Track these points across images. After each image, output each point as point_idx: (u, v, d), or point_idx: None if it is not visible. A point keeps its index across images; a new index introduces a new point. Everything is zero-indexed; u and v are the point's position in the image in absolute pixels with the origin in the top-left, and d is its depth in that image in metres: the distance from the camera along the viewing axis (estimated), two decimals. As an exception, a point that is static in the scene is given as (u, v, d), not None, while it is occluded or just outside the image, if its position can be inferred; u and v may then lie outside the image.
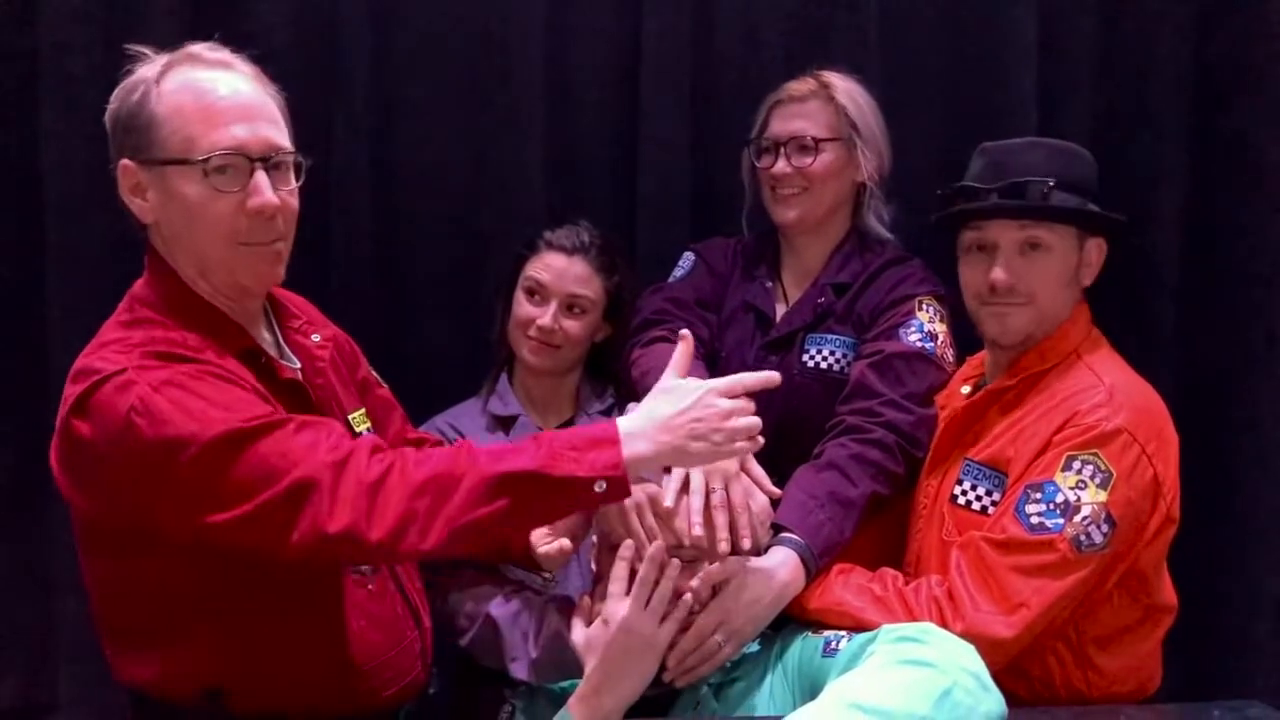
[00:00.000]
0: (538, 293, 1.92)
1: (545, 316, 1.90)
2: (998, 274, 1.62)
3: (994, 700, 1.24)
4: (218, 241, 1.35)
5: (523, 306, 1.93)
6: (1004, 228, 1.62)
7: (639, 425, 1.32)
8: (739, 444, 1.37)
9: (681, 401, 1.34)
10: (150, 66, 1.34)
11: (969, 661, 1.25)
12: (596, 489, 1.27)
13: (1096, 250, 1.66)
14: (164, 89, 1.32)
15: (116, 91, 1.35)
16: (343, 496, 1.22)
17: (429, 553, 1.26)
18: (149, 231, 1.39)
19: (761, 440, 1.40)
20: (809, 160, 1.91)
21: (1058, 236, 1.62)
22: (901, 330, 1.82)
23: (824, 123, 1.92)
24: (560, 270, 1.91)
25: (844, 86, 1.94)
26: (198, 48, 1.37)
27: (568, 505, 1.36)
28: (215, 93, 1.33)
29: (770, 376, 1.42)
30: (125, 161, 1.33)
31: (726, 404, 1.35)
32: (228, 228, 1.34)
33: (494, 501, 1.25)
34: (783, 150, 1.92)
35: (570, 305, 1.92)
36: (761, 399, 1.90)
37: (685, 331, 1.51)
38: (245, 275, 1.39)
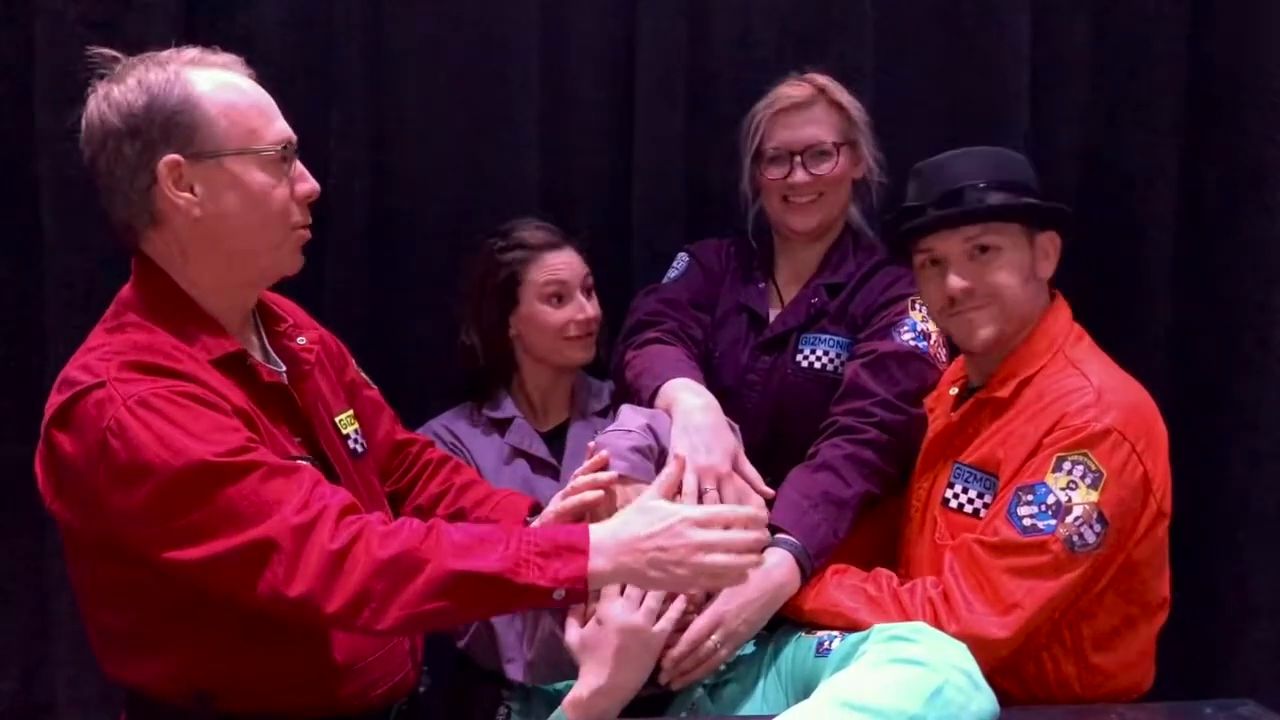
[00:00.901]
0: (562, 294, 1.92)
1: (585, 310, 1.92)
2: (953, 281, 1.62)
3: (985, 698, 1.25)
4: (276, 226, 1.39)
5: (550, 314, 1.91)
6: (948, 239, 1.62)
7: (605, 539, 1.31)
8: (703, 581, 1.35)
9: (651, 525, 1.32)
10: (164, 68, 1.34)
11: (960, 660, 1.26)
12: (555, 596, 1.28)
13: (1050, 243, 1.65)
14: (204, 88, 1.34)
15: (128, 93, 1.33)
16: (304, 564, 1.22)
17: (382, 634, 1.29)
18: (144, 234, 1.39)
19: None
20: (828, 166, 1.90)
21: (1004, 236, 1.61)
22: (895, 330, 1.83)
23: (833, 126, 1.92)
24: (567, 263, 1.93)
25: (832, 85, 1.94)
26: (194, 51, 1.38)
27: (523, 606, 1.38)
28: (251, 90, 1.39)
29: (755, 515, 1.40)
30: (172, 156, 1.33)
31: (699, 536, 1.31)
32: (287, 212, 1.40)
33: (451, 597, 1.25)
34: (798, 159, 1.90)
35: (587, 289, 1.95)
36: (755, 399, 1.93)
37: (681, 453, 1.54)
38: (288, 258, 1.43)
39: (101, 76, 1.36)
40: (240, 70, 1.40)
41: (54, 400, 1.30)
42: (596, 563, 1.28)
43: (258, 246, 1.40)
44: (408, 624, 1.26)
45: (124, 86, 1.34)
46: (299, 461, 1.36)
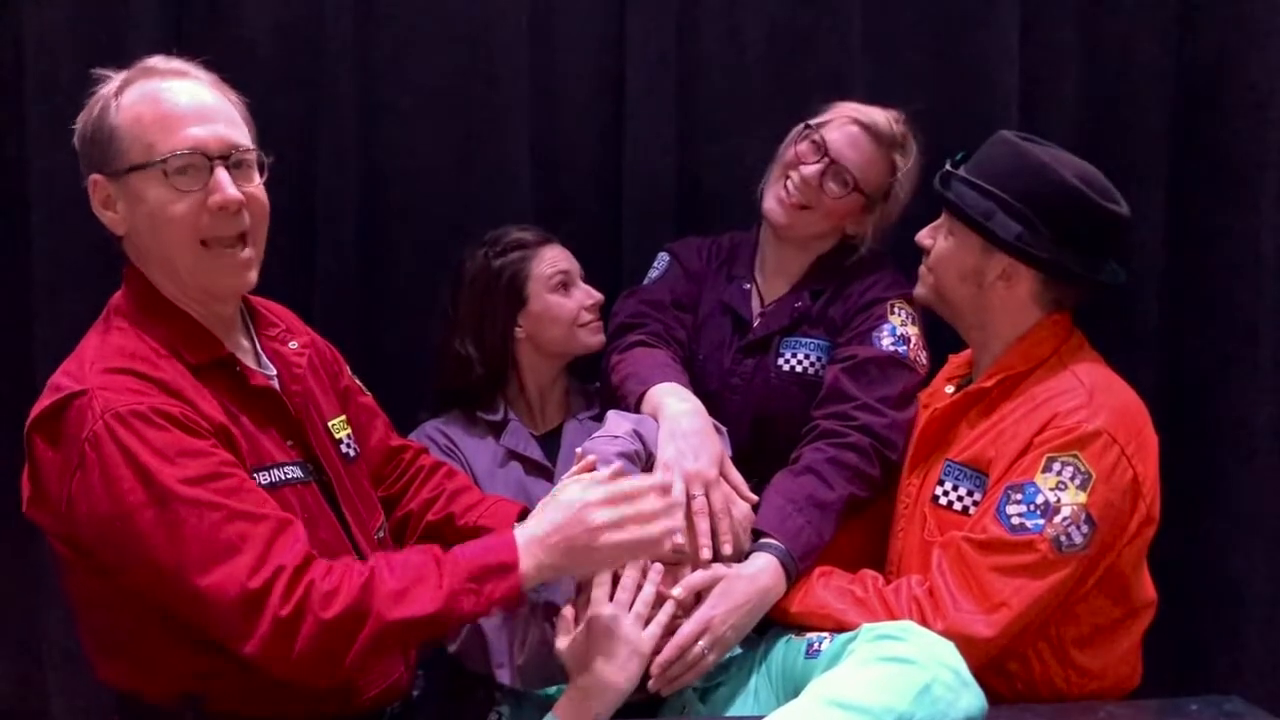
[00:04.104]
0: (568, 281, 1.94)
1: (593, 294, 1.95)
2: (920, 232, 1.73)
3: (973, 695, 1.26)
4: (183, 244, 1.36)
5: (563, 303, 1.92)
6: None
7: (526, 540, 1.35)
8: (620, 557, 1.40)
9: (557, 517, 1.37)
10: (110, 84, 1.37)
11: (948, 657, 1.27)
12: (493, 612, 1.37)
13: (1013, 269, 1.61)
14: (123, 102, 1.35)
15: (82, 112, 1.37)
16: (257, 629, 1.24)
17: (340, 676, 1.31)
18: (124, 243, 1.41)
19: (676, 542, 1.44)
20: (837, 191, 1.87)
21: (957, 228, 1.65)
22: (874, 334, 1.83)
23: (874, 172, 1.88)
24: (564, 254, 1.96)
25: (910, 153, 1.89)
26: (153, 60, 1.40)
27: (465, 625, 1.45)
28: (172, 100, 1.36)
29: (663, 483, 1.46)
30: (95, 176, 1.36)
31: (602, 518, 1.36)
32: (190, 227, 1.35)
33: (396, 641, 1.34)
34: (825, 161, 1.86)
35: (583, 279, 1.98)
36: (739, 401, 1.93)
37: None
38: (214, 282, 1.40)
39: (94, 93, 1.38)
40: (191, 77, 1.39)
41: (39, 403, 1.32)
42: (529, 570, 1.33)
43: (176, 265, 1.38)
44: (360, 669, 1.32)
45: (89, 102, 1.37)
46: (267, 509, 1.32)
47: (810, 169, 1.86)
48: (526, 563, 1.34)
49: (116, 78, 1.37)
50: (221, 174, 1.35)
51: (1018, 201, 1.59)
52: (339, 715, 1.46)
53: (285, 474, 1.42)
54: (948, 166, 1.68)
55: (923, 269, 1.73)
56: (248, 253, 1.40)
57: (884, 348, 1.81)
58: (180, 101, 1.35)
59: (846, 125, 1.87)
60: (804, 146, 1.88)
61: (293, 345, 1.55)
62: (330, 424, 1.56)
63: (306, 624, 1.25)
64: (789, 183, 1.89)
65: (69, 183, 1.98)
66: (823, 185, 1.87)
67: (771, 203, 1.91)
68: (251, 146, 1.40)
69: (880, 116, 1.88)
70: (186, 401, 1.32)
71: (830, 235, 1.96)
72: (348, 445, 1.59)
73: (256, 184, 1.41)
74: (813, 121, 1.90)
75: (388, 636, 1.29)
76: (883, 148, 1.88)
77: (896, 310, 1.85)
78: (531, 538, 1.36)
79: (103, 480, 1.24)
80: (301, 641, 1.25)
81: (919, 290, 1.75)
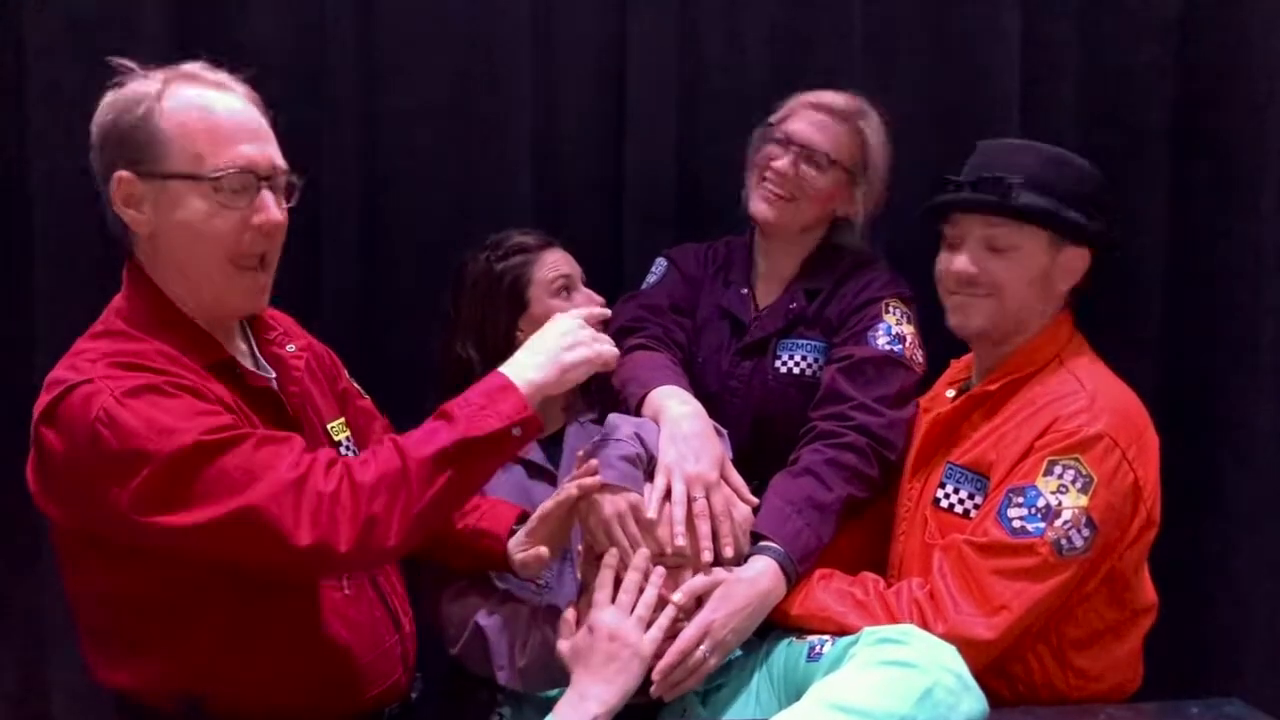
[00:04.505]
0: (570, 286, 1.92)
1: (594, 300, 1.93)
2: (960, 262, 1.64)
3: (975, 698, 1.25)
4: (214, 258, 1.37)
5: (563, 308, 1.87)
6: (972, 222, 1.63)
7: (517, 367, 1.42)
8: (591, 356, 1.48)
9: (532, 342, 1.47)
10: (148, 82, 1.35)
11: (950, 661, 1.26)
12: (515, 433, 1.36)
13: (1077, 259, 1.64)
14: (166, 105, 1.33)
15: (108, 104, 1.36)
16: (305, 512, 1.25)
17: (397, 548, 1.31)
18: (133, 243, 1.40)
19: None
20: (815, 174, 1.89)
21: (1024, 237, 1.60)
22: (869, 334, 1.84)
23: (842, 147, 1.90)
24: (566, 258, 1.94)
25: (874, 122, 1.92)
26: (193, 67, 1.39)
27: (497, 459, 1.41)
28: (220, 112, 1.36)
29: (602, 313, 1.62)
30: (122, 173, 1.34)
31: (583, 330, 1.49)
32: (230, 243, 1.36)
33: (437, 479, 1.32)
34: (794, 150, 1.89)
35: (585, 283, 1.96)
36: (738, 404, 1.94)
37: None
38: (232, 300, 1.42)
39: (118, 85, 1.37)
40: (232, 90, 1.39)
41: (42, 399, 1.31)
42: (525, 386, 1.39)
43: (199, 278, 1.38)
44: (415, 527, 1.31)
45: (111, 97, 1.35)
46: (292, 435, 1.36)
47: (782, 162, 1.90)
48: (519, 380, 1.39)
49: (154, 76, 1.36)
50: (268, 195, 1.37)
51: (1066, 192, 1.61)
52: (338, 716, 1.46)
53: None
54: (955, 185, 1.65)
55: (967, 299, 1.64)
56: (264, 278, 1.42)
57: (879, 347, 1.82)
58: (228, 115, 1.36)
59: (804, 111, 1.92)
60: (770, 146, 1.92)
61: (290, 348, 1.55)
62: (329, 426, 1.57)
63: (350, 493, 1.27)
64: (767, 182, 1.92)
65: (71, 184, 2.00)
66: (799, 172, 1.89)
67: (756, 203, 1.94)
68: (287, 169, 1.42)
69: (833, 95, 1.93)
70: (198, 383, 1.33)
71: (819, 224, 1.98)
72: (347, 447, 1.59)
73: (285, 207, 1.42)
74: (771, 120, 1.94)
75: (429, 474, 1.31)
76: (845, 121, 1.91)
77: (891, 309, 1.86)
78: (514, 363, 1.43)
79: (124, 453, 1.24)
80: (352, 510, 1.27)
81: (979, 322, 1.64)
